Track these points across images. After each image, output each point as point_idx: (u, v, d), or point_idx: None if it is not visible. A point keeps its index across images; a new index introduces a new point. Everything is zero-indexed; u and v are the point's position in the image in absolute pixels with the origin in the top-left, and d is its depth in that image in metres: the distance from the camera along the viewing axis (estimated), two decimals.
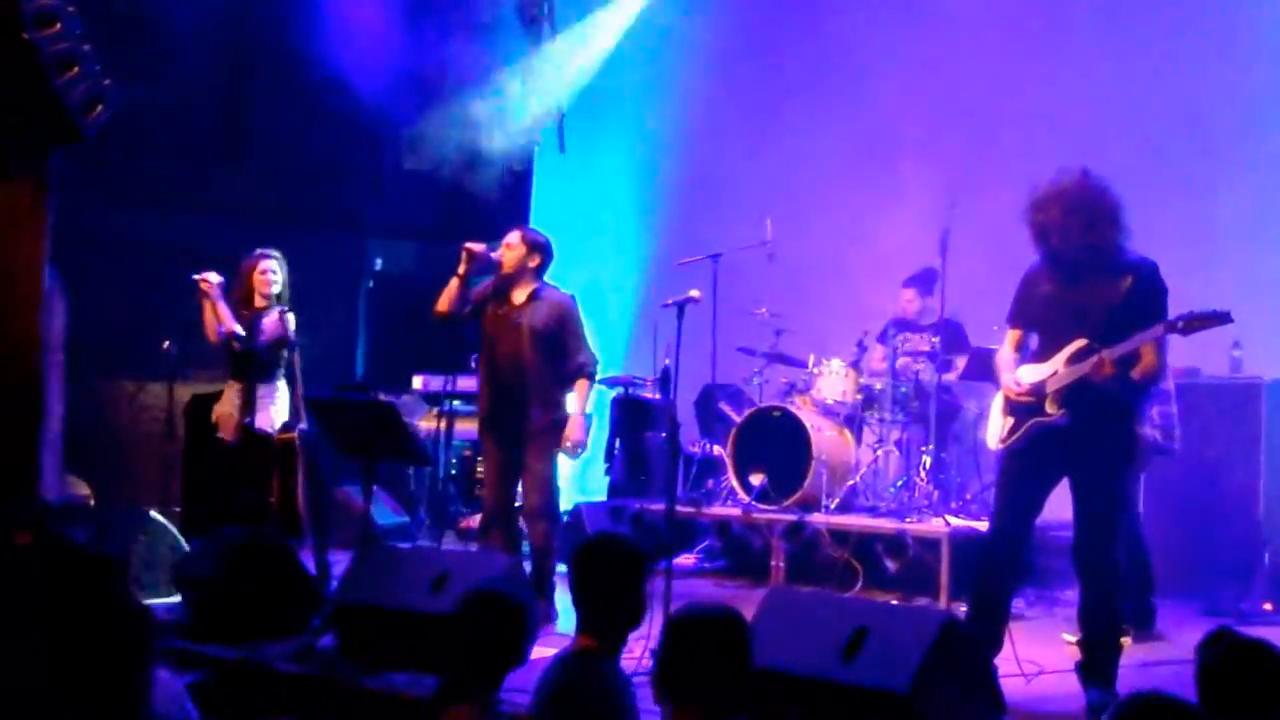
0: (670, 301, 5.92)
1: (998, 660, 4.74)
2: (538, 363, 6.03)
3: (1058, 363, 4.63)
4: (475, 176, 10.63)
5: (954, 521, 6.88)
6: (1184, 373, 7.33)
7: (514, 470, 6.10)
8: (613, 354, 10.31)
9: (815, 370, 7.80)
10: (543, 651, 5.25)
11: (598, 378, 8.22)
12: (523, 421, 6.00)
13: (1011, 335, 4.97)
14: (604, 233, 10.37)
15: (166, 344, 6.83)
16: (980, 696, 3.74)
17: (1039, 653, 5.25)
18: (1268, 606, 6.83)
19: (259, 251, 6.89)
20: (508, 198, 10.80)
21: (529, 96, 10.43)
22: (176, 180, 9.53)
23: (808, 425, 7.42)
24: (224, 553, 5.24)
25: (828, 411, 7.75)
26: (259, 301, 6.78)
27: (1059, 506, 6.93)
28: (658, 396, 8.89)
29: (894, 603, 4.11)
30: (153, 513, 6.35)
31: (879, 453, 7.66)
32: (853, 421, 7.89)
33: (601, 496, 8.85)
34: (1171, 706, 2.55)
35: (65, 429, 8.38)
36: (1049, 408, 4.63)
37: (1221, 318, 4.42)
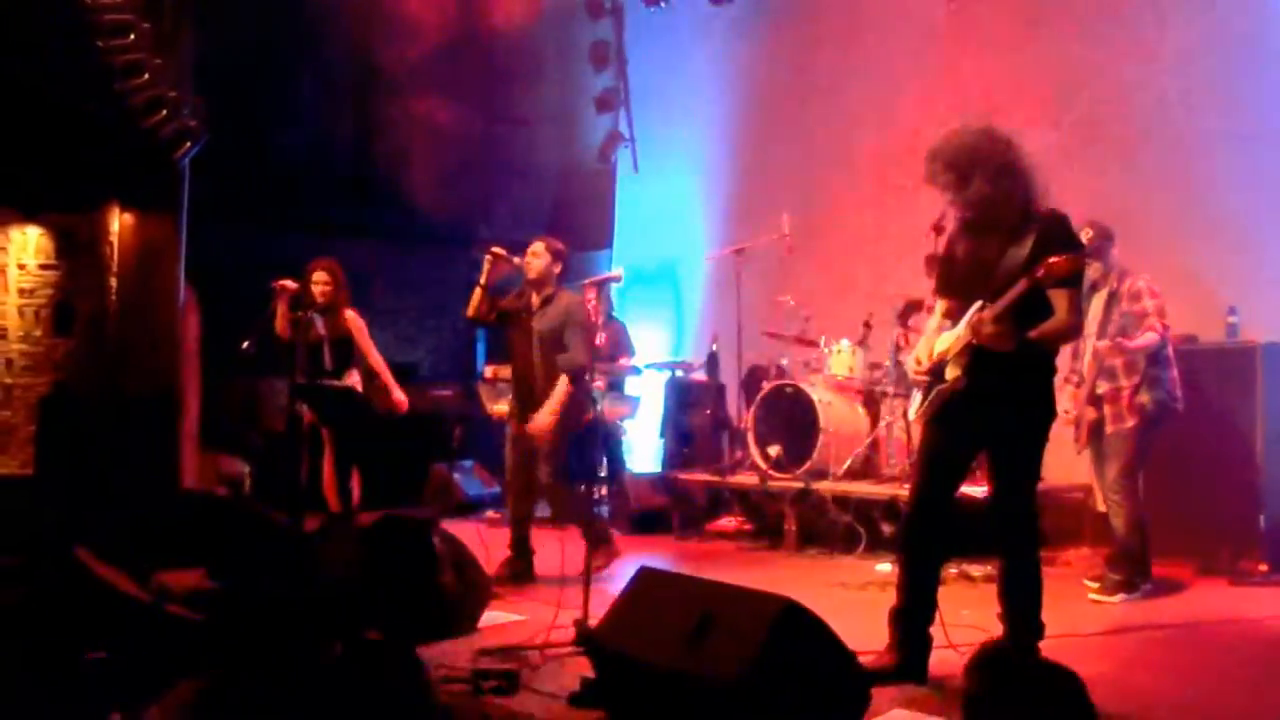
0: (589, 281, 5.03)
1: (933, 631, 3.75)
2: (544, 363, 5.32)
3: (961, 327, 3.57)
4: (570, 194, 10.04)
5: None
6: (1182, 339, 6.06)
7: (533, 453, 5.37)
8: (683, 336, 9.53)
9: (826, 350, 6.77)
10: None
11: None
12: (533, 414, 5.32)
13: (940, 305, 3.89)
14: (674, 234, 9.53)
15: (246, 344, 6.30)
16: (835, 685, 2.76)
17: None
18: (1263, 568, 5.51)
19: (314, 261, 6.32)
20: (598, 211, 10.18)
21: (606, 125, 9.80)
22: (314, 208, 9.13)
23: (816, 400, 6.42)
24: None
25: (841, 387, 6.71)
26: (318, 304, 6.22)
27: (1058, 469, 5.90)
28: (704, 378, 8.01)
29: (743, 588, 3.08)
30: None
31: (883, 425, 6.56)
32: (870, 397, 6.83)
33: (658, 468, 8.05)
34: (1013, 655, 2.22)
35: (227, 421, 8.13)
36: (948, 373, 3.58)
37: (1078, 264, 3.31)
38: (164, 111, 6.37)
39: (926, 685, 3.54)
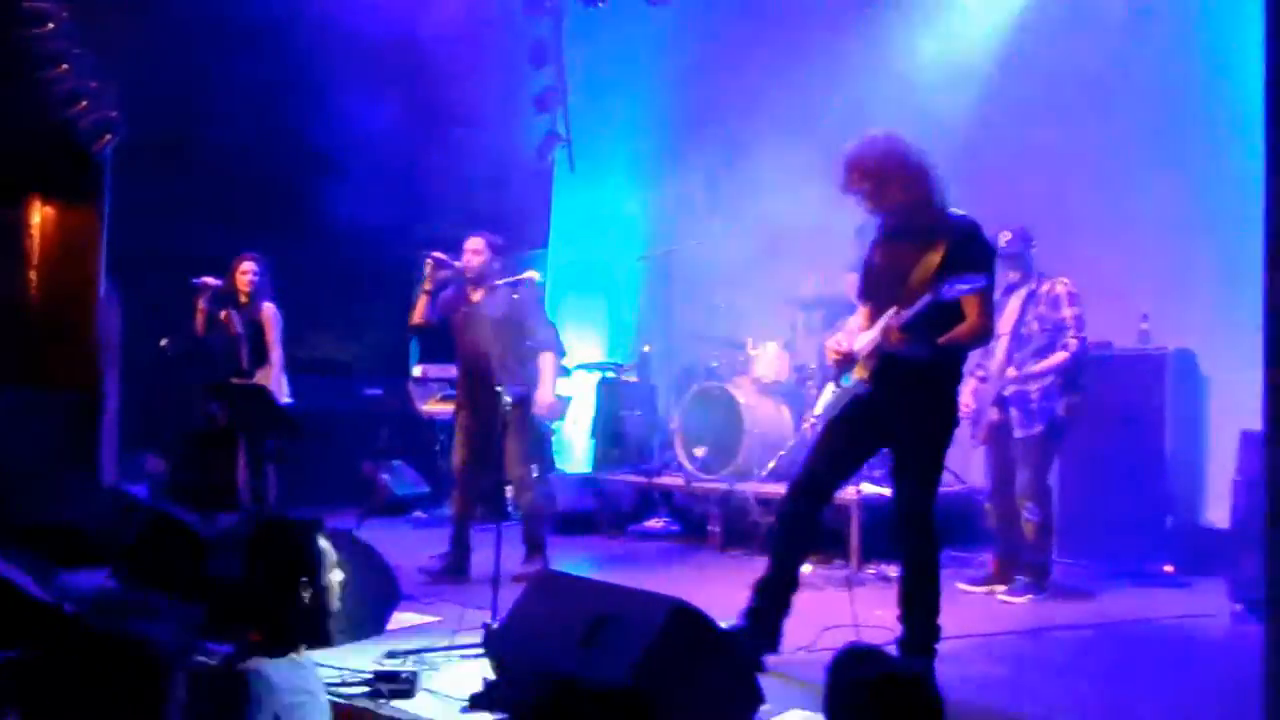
0: (502, 281, 5.05)
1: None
2: (501, 347, 5.32)
3: (875, 330, 3.63)
4: (507, 193, 9.97)
5: (865, 489, 5.83)
6: (1097, 344, 6.19)
7: (488, 444, 5.35)
8: (616, 337, 9.52)
9: (752, 352, 6.81)
10: None
11: (562, 351, 7.56)
12: (496, 401, 5.24)
13: (862, 310, 3.94)
14: (609, 235, 9.51)
15: (165, 342, 6.20)
16: (729, 687, 2.78)
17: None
18: (1169, 569, 5.65)
19: (241, 255, 6.26)
20: (534, 210, 10.13)
21: (544, 124, 9.77)
22: (244, 203, 8.96)
23: (741, 402, 6.46)
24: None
25: (766, 389, 6.75)
26: (241, 299, 6.14)
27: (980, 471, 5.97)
28: (636, 379, 8.02)
29: (636, 589, 3.09)
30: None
31: (807, 426, 6.61)
32: (795, 398, 6.87)
33: (589, 469, 8.03)
34: (874, 656, 2.10)
35: (147, 418, 7.96)
36: (856, 373, 3.65)
37: (979, 284, 3.40)
38: (84, 102, 6.24)
39: (778, 652, 3.75)
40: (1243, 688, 2.49)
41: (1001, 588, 5.21)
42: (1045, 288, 5.15)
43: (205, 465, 5.76)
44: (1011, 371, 5.04)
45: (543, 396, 5.39)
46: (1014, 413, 5.12)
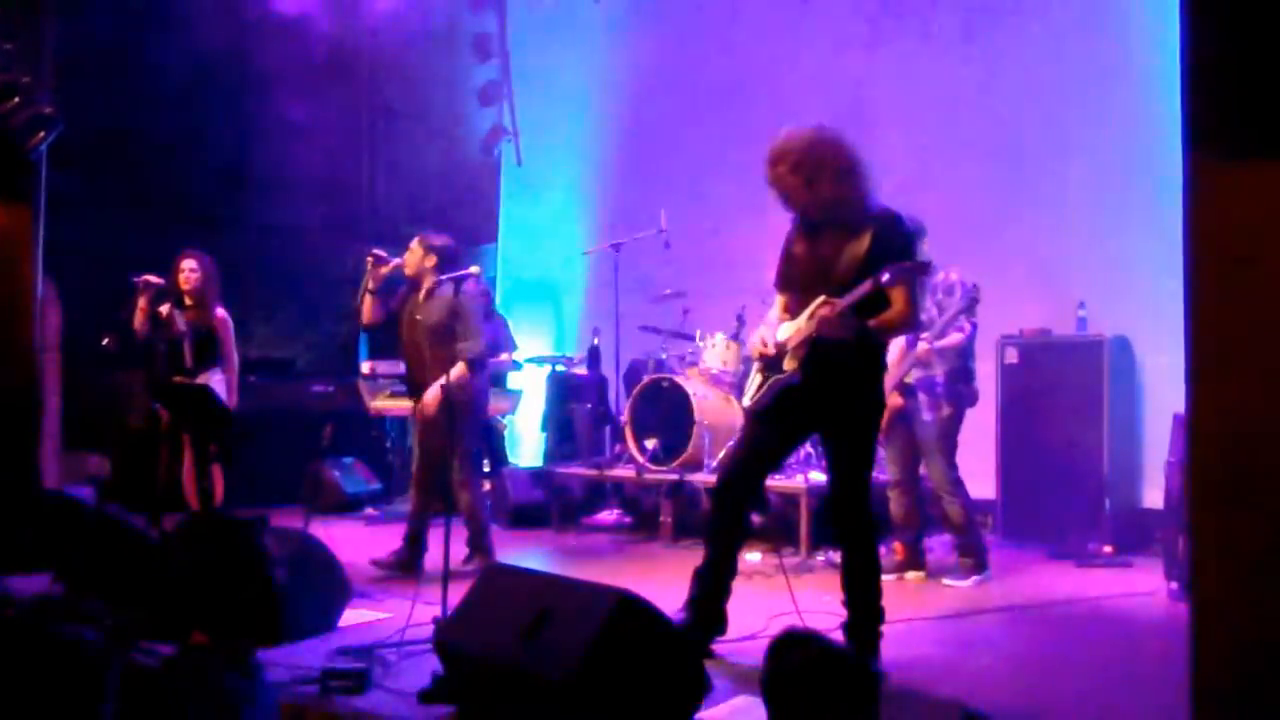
0: (446, 278, 5.02)
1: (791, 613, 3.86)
2: (435, 353, 5.26)
3: (801, 320, 3.65)
4: (454, 187, 9.91)
5: (813, 478, 5.88)
6: (1036, 332, 6.35)
7: (434, 444, 5.31)
8: (565, 330, 9.51)
9: (701, 344, 6.84)
10: None
11: (514, 345, 7.51)
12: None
13: (779, 299, 3.95)
14: (557, 228, 9.49)
15: (106, 341, 6.06)
16: (677, 676, 2.79)
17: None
18: (1108, 550, 5.78)
19: (183, 252, 6.15)
20: (482, 204, 10.07)
21: (489, 118, 9.73)
22: (187, 198, 8.79)
23: (691, 393, 6.48)
24: None
25: (716, 380, 6.78)
26: (185, 299, 6.04)
27: None
28: (586, 372, 8.02)
29: (581, 581, 3.10)
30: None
31: None
32: (743, 390, 6.90)
33: (540, 462, 8.02)
34: (810, 639, 2.20)
35: (89, 419, 7.79)
36: (786, 364, 3.67)
37: (922, 268, 3.46)
38: (16, 99, 6.06)
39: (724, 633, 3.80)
40: (1176, 662, 2.55)
41: (913, 573, 5.31)
42: (940, 277, 5.25)
43: (149, 466, 5.64)
44: (923, 346, 5.11)
45: (427, 394, 5.24)
46: (922, 398, 5.22)
